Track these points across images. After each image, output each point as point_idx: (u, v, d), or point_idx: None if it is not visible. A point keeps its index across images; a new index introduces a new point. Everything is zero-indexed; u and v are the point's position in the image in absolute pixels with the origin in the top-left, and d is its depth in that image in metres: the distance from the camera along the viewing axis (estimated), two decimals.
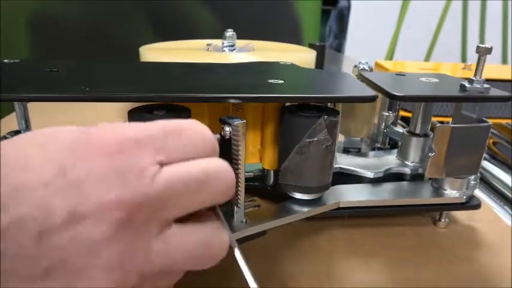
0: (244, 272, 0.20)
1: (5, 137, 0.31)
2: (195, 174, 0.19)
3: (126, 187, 0.17)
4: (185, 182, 0.18)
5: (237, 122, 0.27)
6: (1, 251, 0.15)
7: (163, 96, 0.27)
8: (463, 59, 1.50)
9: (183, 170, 0.18)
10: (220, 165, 0.20)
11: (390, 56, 1.50)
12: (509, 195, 0.49)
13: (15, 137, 0.18)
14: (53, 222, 0.16)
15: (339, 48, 1.63)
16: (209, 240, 0.20)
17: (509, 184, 0.51)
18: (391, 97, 0.31)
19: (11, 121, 0.38)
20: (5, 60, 0.34)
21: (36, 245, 0.16)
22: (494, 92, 0.33)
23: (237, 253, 0.21)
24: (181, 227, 0.19)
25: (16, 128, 0.34)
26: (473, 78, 0.33)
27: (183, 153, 0.19)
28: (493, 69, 0.69)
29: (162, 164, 0.18)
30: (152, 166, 0.18)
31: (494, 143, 0.60)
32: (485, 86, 0.33)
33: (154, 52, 0.56)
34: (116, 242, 0.17)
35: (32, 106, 0.36)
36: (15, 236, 0.15)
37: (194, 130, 0.20)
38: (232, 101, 0.28)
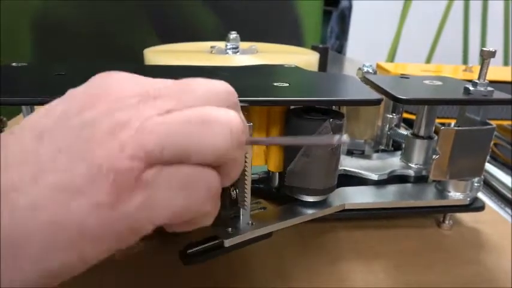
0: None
1: None
2: (193, 115, 0.18)
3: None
4: (180, 121, 0.17)
5: None
6: None
7: None
8: (465, 60, 1.50)
9: (181, 112, 0.18)
10: (222, 110, 0.18)
11: (391, 57, 1.50)
12: (510, 196, 0.49)
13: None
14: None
15: (340, 49, 1.64)
16: (198, 171, 0.18)
17: (510, 186, 0.51)
18: (396, 100, 0.32)
19: (16, 123, 0.38)
20: (13, 64, 0.34)
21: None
22: (498, 95, 0.33)
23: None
24: (173, 167, 0.17)
25: None
26: (477, 81, 0.33)
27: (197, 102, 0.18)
28: (494, 71, 0.69)
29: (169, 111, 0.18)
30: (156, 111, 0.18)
31: (495, 145, 0.61)
32: (489, 89, 0.33)
33: (159, 54, 0.56)
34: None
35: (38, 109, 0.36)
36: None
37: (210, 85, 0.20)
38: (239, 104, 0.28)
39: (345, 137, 0.17)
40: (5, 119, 0.33)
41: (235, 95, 0.20)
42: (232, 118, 0.18)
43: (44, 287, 0.16)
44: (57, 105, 0.18)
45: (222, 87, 0.20)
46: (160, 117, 0.17)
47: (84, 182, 0.16)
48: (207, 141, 0.17)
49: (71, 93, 0.19)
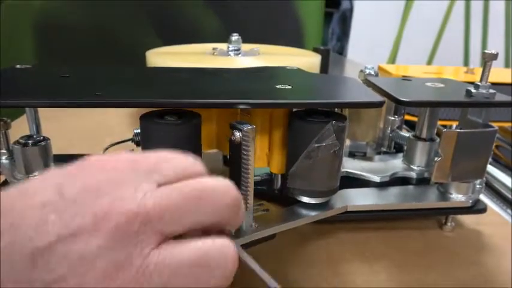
0: (261, 275, 0.20)
1: (18, 142, 0.32)
2: (194, 189, 0.18)
3: (120, 197, 0.17)
4: (183, 196, 0.18)
5: (247, 127, 0.27)
6: None
7: (176, 102, 0.28)
8: (466, 62, 1.50)
9: (179, 185, 0.18)
10: (219, 182, 0.19)
11: (393, 59, 1.50)
12: (511, 198, 0.49)
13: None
14: (48, 240, 0.16)
15: (341, 51, 1.64)
16: (208, 252, 0.18)
17: (511, 187, 0.51)
18: (398, 102, 0.32)
19: (20, 124, 0.38)
20: (17, 66, 0.35)
21: (31, 267, 0.16)
22: (500, 97, 0.33)
23: (248, 258, 0.20)
24: (179, 241, 0.18)
25: (27, 132, 0.35)
26: (479, 83, 0.33)
27: (180, 175, 0.19)
28: (495, 73, 0.69)
29: (159, 184, 0.18)
30: (148, 182, 0.18)
31: (497, 147, 0.61)
32: (491, 91, 0.33)
33: (160, 56, 0.57)
34: (111, 252, 0.17)
35: (42, 111, 0.36)
36: (11, 258, 0.16)
37: (181, 157, 0.20)
38: (242, 106, 0.29)
39: None
40: (9, 120, 0.34)
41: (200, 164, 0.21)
42: (226, 185, 0.19)
43: None
44: (66, 189, 0.17)
45: (188, 160, 0.20)
46: (163, 191, 0.18)
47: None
48: (212, 212, 0.18)
49: (76, 179, 0.18)
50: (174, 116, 0.28)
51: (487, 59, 0.33)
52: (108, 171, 0.18)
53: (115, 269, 0.17)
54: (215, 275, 0.18)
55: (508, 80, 0.64)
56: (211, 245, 0.18)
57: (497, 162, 0.58)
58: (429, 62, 1.53)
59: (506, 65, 1.46)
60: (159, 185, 0.18)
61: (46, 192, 0.17)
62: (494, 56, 0.32)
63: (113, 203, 0.17)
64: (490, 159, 0.57)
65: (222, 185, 0.19)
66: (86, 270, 0.16)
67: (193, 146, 0.30)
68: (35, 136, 0.33)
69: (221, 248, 0.18)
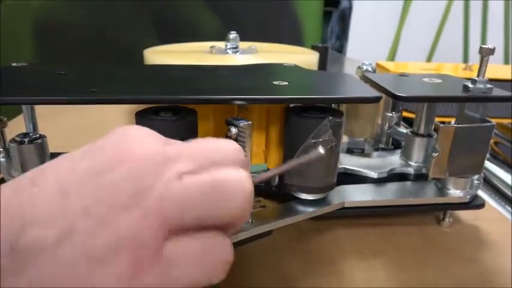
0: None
1: (14, 140, 0.32)
2: (207, 181, 0.18)
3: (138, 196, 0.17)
4: (196, 188, 0.18)
5: (243, 123, 0.27)
6: None
7: (170, 98, 0.28)
8: (465, 59, 1.50)
9: (196, 178, 0.18)
10: (237, 174, 0.19)
11: (392, 57, 1.50)
12: (510, 194, 0.49)
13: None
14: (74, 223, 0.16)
15: (341, 49, 1.64)
16: (215, 244, 0.18)
17: (510, 183, 0.51)
18: (395, 98, 0.32)
19: (17, 123, 0.38)
20: (14, 64, 0.35)
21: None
22: (497, 92, 0.33)
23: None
24: (186, 235, 0.18)
25: (24, 131, 0.35)
26: (476, 78, 0.33)
27: (211, 163, 0.19)
28: (495, 69, 0.69)
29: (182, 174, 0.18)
30: (171, 175, 0.18)
31: (495, 143, 0.61)
32: (488, 86, 0.33)
33: (158, 55, 0.57)
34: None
35: (39, 109, 0.36)
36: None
37: (224, 145, 0.20)
38: (238, 102, 0.28)
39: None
40: (5, 119, 0.34)
41: (242, 152, 0.20)
42: (244, 180, 0.19)
43: None
44: (80, 161, 0.18)
45: (230, 146, 0.20)
46: (181, 183, 0.17)
47: (107, 252, 0.16)
48: (224, 207, 0.18)
49: (93, 149, 0.18)
50: (170, 112, 0.28)
51: (484, 54, 0.33)
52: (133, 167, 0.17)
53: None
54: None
55: (508, 76, 0.64)
56: (217, 244, 0.18)
57: (496, 159, 0.58)
58: (428, 60, 1.53)
59: (506, 62, 1.46)
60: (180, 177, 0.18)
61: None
62: (491, 51, 0.32)
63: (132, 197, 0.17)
64: (489, 156, 0.57)
65: (235, 178, 0.18)
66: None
67: None
68: (31, 134, 0.33)
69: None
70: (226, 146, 0.20)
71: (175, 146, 0.19)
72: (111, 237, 0.16)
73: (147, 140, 0.19)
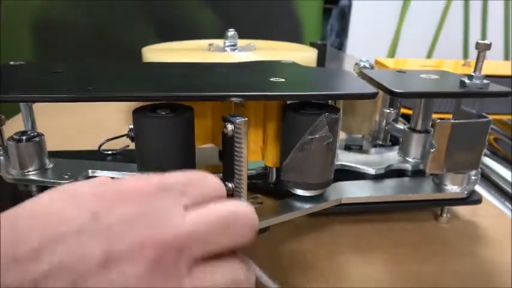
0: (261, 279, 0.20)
1: (12, 138, 0.32)
2: (222, 214, 0.19)
3: (155, 227, 0.18)
4: (212, 221, 0.19)
5: (239, 120, 0.27)
6: None
7: (166, 95, 0.28)
8: (465, 56, 1.50)
9: (209, 211, 0.19)
10: (244, 206, 0.20)
11: (392, 54, 1.50)
12: (510, 191, 0.49)
13: (42, 194, 0.18)
14: (89, 266, 0.16)
15: (341, 47, 1.63)
16: (238, 275, 0.20)
17: (510, 180, 0.51)
18: (391, 94, 0.32)
19: (15, 122, 0.38)
20: (11, 62, 0.35)
21: None
22: (494, 87, 0.33)
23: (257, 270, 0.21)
24: (209, 265, 0.19)
25: (22, 129, 0.35)
26: (473, 74, 0.33)
27: (205, 197, 0.20)
28: (495, 65, 0.69)
29: (187, 207, 0.19)
30: (179, 206, 0.19)
31: (495, 139, 0.61)
32: (485, 81, 0.33)
33: (157, 53, 0.57)
34: (149, 281, 0.17)
35: (36, 108, 0.36)
36: (52, 283, 0.16)
37: (211, 177, 0.21)
38: (234, 99, 0.29)
39: None
40: (3, 117, 0.34)
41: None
42: (250, 210, 0.20)
43: None
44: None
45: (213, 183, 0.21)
46: (193, 217, 0.18)
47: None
48: (236, 236, 0.19)
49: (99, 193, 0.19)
50: (167, 109, 0.29)
51: (481, 49, 0.33)
52: (142, 198, 0.18)
53: None
54: None
55: (508, 73, 0.64)
56: (239, 267, 0.20)
57: (496, 155, 0.58)
58: (429, 57, 1.53)
59: (506, 58, 1.46)
60: (187, 208, 0.19)
61: (81, 217, 0.17)
62: (488, 46, 0.32)
63: (149, 233, 0.17)
64: (488, 152, 0.57)
65: (245, 210, 0.20)
66: None
67: (185, 140, 0.30)
68: (29, 132, 0.33)
69: (246, 270, 0.20)
70: (214, 181, 0.21)
71: (177, 178, 0.20)
72: None
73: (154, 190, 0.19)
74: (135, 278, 0.17)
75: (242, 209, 0.20)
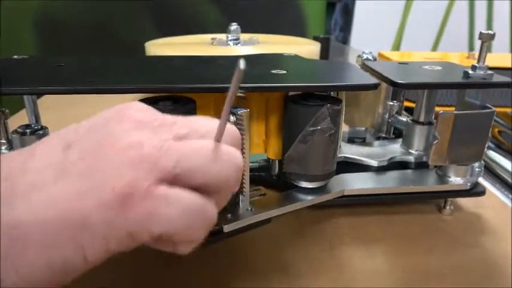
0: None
1: (16, 131, 0.32)
2: (209, 146, 0.19)
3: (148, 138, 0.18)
4: (199, 148, 0.19)
5: (241, 111, 0.27)
6: None
7: (167, 87, 0.28)
8: (471, 49, 1.48)
9: (198, 141, 0.19)
10: (233, 149, 0.20)
11: (397, 48, 1.49)
12: None
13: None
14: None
15: (345, 41, 1.63)
16: (204, 202, 0.19)
17: None
18: (394, 85, 0.32)
19: (20, 116, 0.38)
20: (15, 56, 0.35)
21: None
22: (497, 78, 0.33)
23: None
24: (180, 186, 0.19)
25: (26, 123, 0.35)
26: (477, 64, 0.33)
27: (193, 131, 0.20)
28: (501, 57, 0.69)
29: (176, 137, 0.19)
30: (169, 133, 0.19)
31: (499, 132, 0.60)
32: (489, 72, 0.33)
33: (160, 47, 0.57)
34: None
35: (42, 101, 0.37)
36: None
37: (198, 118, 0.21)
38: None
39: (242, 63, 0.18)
40: (7, 110, 0.34)
41: (239, 135, 0.22)
42: (239, 155, 0.20)
43: (49, 284, 0.17)
44: (85, 124, 0.20)
45: (231, 128, 0.22)
46: (176, 141, 0.19)
47: (98, 184, 0.17)
48: (215, 169, 0.19)
49: (96, 116, 0.20)
50: (168, 101, 0.29)
51: (484, 39, 0.32)
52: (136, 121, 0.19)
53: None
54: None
55: (508, 65, 0.63)
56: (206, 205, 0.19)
57: (500, 148, 0.57)
58: (434, 50, 1.52)
59: None
60: (176, 139, 0.19)
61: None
62: (491, 36, 0.32)
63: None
64: (492, 145, 0.57)
65: (232, 150, 0.20)
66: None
67: None
68: (33, 125, 0.33)
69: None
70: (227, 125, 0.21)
71: (174, 116, 0.21)
72: (104, 173, 0.17)
73: (146, 109, 0.21)
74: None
75: (228, 147, 0.20)
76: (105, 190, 0.17)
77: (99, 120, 0.20)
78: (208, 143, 0.19)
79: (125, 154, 0.18)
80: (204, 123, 0.20)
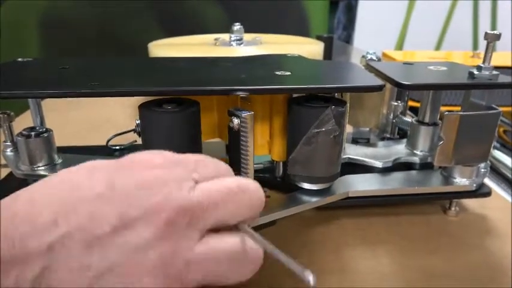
0: (289, 265, 0.20)
1: (21, 134, 0.32)
2: (231, 186, 0.20)
3: (169, 193, 0.18)
4: (222, 191, 0.20)
5: (245, 114, 0.27)
6: (50, 264, 0.16)
7: (172, 90, 0.28)
8: (475, 48, 1.47)
9: (219, 182, 0.20)
10: (250, 182, 0.21)
11: (400, 47, 1.48)
12: None
13: (60, 171, 0.19)
14: (103, 229, 0.17)
15: (348, 39, 1.62)
16: (245, 244, 0.20)
17: None
18: (399, 86, 0.31)
19: (25, 118, 0.39)
20: (19, 59, 0.35)
21: (86, 254, 0.17)
22: (503, 78, 0.33)
23: (275, 250, 0.21)
24: (218, 234, 0.20)
25: (31, 125, 0.35)
26: (482, 65, 0.33)
27: (214, 175, 0.21)
28: (502, 56, 0.68)
29: (197, 181, 0.20)
30: (190, 179, 0.20)
31: (504, 132, 0.60)
32: (494, 72, 0.32)
33: (163, 48, 0.57)
34: (162, 243, 0.18)
35: (46, 103, 0.37)
36: (67, 246, 0.16)
37: (220, 161, 0.22)
38: (239, 93, 0.28)
39: None
40: (12, 113, 0.34)
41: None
42: (256, 185, 0.21)
43: None
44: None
45: (221, 163, 0.22)
46: (204, 187, 0.19)
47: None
48: (245, 207, 0.20)
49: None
50: (172, 104, 0.29)
51: (490, 40, 0.32)
52: (156, 168, 0.19)
53: (165, 260, 0.18)
54: (248, 268, 0.20)
55: (508, 63, 0.63)
56: (245, 237, 0.20)
57: (505, 147, 0.57)
58: (437, 49, 1.51)
59: None
60: (197, 182, 0.20)
61: (98, 185, 0.18)
62: (497, 37, 0.32)
63: (163, 198, 0.18)
64: (497, 144, 0.57)
65: (253, 183, 0.21)
66: (140, 259, 0.17)
67: (191, 134, 0.30)
68: (37, 128, 0.33)
69: (253, 241, 0.20)
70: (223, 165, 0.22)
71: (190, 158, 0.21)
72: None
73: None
74: (148, 240, 0.17)
75: (250, 182, 0.21)
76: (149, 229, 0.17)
77: (124, 204, 0.18)
78: (235, 184, 0.20)
79: (165, 222, 0.18)
80: (223, 168, 0.22)
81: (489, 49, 0.33)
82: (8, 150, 0.35)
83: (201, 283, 0.19)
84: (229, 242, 0.20)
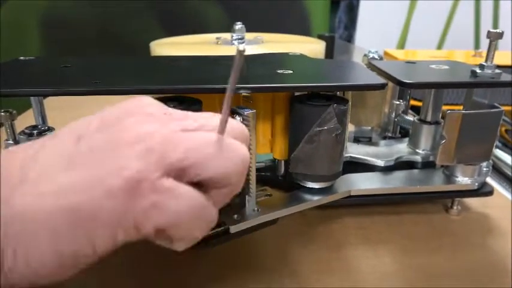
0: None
1: (23, 132, 0.32)
2: (213, 138, 0.19)
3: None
4: (204, 139, 0.19)
5: (247, 112, 0.27)
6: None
7: (173, 88, 0.28)
8: (477, 47, 1.47)
9: (203, 133, 0.20)
10: (239, 144, 0.20)
11: (401, 46, 1.48)
12: None
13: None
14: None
15: (349, 39, 1.62)
16: (207, 203, 0.19)
17: None
18: (401, 85, 0.31)
19: (26, 118, 0.39)
20: (21, 58, 0.35)
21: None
22: (506, 77, 0.32)
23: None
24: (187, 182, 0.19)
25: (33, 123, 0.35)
26: (484, 63, 0.33)
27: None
28: (502, 55, 0.68)
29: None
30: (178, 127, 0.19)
31: (506, 131, 0.60)
32: (497, 71, 0.32)
33: (165, 47, 0.57)
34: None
35: (48, 102, 0.37)
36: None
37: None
38: (241, 91, 0.28)
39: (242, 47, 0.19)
40: (14, 111, 0.34)
41: (247, 133, 0.22)
42: (245, 151, 0.20)
43: (57, 275, 0.18)
44: (96, 117, 0.20)
45: (238, 124, 0.22)
46: (185, 133, 0.19)
47: (106, 174, 0.17)
48: (221, 164, 0.19)
49: (107, 109, 0.21)
50: (175, 102, 0.29)
51: (492, 38, 0.32)
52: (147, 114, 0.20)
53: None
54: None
55: (508, 63, 0.63)
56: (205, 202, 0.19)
57: (507, 147, 0.57)
58: (439, 48, 1.51)
59: None
60: (185, 132, 0.19)
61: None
62: (499, 35, 0.32)
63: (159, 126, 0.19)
64: (499, 144, 0.57)
65: (238, 143, 0.20)
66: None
67: None
68: (39, 126, 0.33)
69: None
70: (235, 123, 0.22)
71: (183, 111, 0.21)
72: (113, 165, 0.17)
73: (157, 104, 0.21)
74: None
75: (235, 142, 0.20)
76: (114, 180, 0.17)
77: (110, 113, 0.20)
78: (215, 137, 0.19)
79: (134, 146, 0.18)
80: (213, 119, 0.20)
81: (492, 47, 0.32)
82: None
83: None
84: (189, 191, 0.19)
